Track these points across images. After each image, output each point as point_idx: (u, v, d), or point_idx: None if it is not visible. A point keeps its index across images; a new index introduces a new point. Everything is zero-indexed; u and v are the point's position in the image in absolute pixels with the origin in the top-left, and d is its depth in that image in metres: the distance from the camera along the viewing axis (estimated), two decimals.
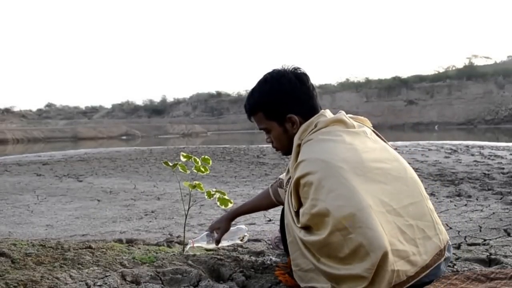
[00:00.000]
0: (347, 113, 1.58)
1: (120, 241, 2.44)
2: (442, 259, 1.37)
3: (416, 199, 1.36)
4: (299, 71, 1.55)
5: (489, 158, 8.18)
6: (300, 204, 1.38)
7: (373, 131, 1.54)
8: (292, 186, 1.40)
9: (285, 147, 1.59)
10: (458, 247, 2.23)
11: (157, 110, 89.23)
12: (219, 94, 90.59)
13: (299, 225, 1.36)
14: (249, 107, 1.62)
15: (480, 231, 2.73)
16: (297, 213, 1.39)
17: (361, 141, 1.41)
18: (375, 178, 1.31)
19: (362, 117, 1.60)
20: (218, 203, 2.00)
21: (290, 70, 1.55)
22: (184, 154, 2.01)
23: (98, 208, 4.20)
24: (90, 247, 1.96)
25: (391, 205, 1.28)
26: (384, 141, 1.53)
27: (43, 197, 4.97)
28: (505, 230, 2.70)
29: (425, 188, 1.56)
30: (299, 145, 1.47)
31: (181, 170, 2.01)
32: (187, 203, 2.07)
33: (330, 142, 1.38)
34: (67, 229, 3.29)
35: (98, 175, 7.31)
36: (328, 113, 1.54)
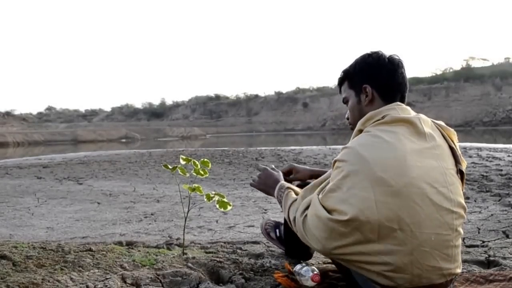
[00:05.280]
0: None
1: (120, 243, 2.45)
2: None
3: (444, 231, 1.29)
4: (394, 56, 1.54)
5: (487, 160, 8.20)
6: None
7: (450, 147, 1.42)
8: (332, 163, 1.42)
9: (355, 120, 1.53)
10: None
11: (157, 113, 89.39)
12: (217, 97, 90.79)
13: (318, 194, 1.39)
14: (340, 76, 1.64)
15: (479, 233, 2.74)
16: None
17: (420, 153, 1.32)
18: (408, 196, 1.25)
19: (450, 128, 1.47)
20: (217, 206, 2.01)
21: (387, 54, 1.56)
22: (184, 157, 2.02)
23: (98, 211, 4.20)
24: (90, 249, 1.97)
25: (410, 227, 1.24)
26: (457, 162, 1.42)
27: (43, 200, 4.97)
28: (504, 232, 2.71)
29: None
30: (360, 131, 1.45)
31: (180, 173, 2.02)
32: (186, 206, 2.08)
33: (384, 143, 1.32)
34: (67, 232, 3.29)
35: (98, 178, 7.31)
36: (402, 108, 1.45)
